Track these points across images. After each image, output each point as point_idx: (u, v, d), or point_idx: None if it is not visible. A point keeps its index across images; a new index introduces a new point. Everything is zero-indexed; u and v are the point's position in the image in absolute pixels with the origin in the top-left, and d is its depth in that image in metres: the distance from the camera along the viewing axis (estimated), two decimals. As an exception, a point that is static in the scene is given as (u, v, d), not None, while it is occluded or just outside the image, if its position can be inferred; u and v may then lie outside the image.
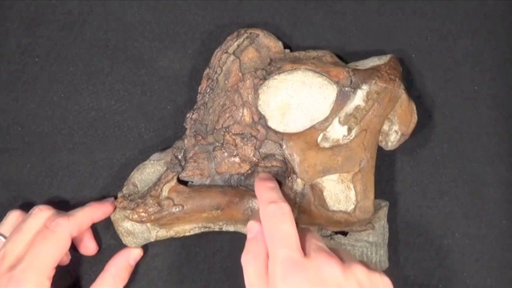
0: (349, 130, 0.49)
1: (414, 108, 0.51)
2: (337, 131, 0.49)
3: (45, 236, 0.47)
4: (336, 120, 0.49)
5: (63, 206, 0.52)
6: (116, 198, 0.51)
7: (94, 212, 0.50)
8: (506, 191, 0.54)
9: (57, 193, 0.54)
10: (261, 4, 0.55)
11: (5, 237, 0.48)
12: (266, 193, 0.44)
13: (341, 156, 0.48)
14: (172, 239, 0.52)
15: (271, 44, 0.51)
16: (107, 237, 0.53)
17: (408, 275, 0.53)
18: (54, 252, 0.47)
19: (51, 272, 0.47)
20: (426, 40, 0.56)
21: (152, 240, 0.51)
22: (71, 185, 0.54)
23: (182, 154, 0.50)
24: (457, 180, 0.54)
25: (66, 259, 0.51)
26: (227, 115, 0.49)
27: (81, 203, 0.51)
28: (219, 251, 0.53)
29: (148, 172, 0.51)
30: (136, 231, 0.50)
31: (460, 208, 0.54)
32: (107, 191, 0.53)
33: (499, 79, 0.55)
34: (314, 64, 0.50)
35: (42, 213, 0.48)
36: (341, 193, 0.49)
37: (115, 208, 0.51)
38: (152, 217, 0.48)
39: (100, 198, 0.53)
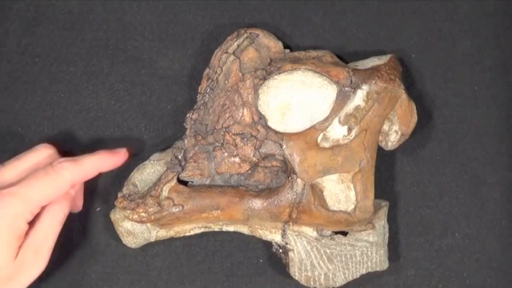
0: (349, 130, 0.49)
1: (414, 108, 0.51)
2: (337, 131, 0.49)
3: (47, 172, 0.45)
4: (336, 120, 0.49)
5: (63, 206, 0.52)
6: (129, 152, 0.50)
7: (102, 162, 0.48)
8: (506, 191, 0.54)
9: (57, 193, 0.54)
10: (261, 4, 0.55)
11: None
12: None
13: (341, 156, 0.48)
14: (172, 239, 0.52)
15: (271, 44, 0.51)
16: (107, 237, 0.53)
17: (408, 275, 0.54)
18: (49, 191, 0.45)
19: (36, 209, 0.45)
20: (426, 40, 0.56)
21: (152, 240, 0.51)
22: (71, 185, 0.54)
23: (182, 154, 0.50)
24: (457, 180, 0.54)
25: (79, 205, 0.50)
26: (227, 115, 0.49)
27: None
28: (219, 251, 0.53)
29: (148, 172, 0.51)
30: (136, 231, 0.50)
31: (460, 208, 0.54)
32: (107, 191, 0.53)
33: (499, 79, 0.55)
34: (314, 64, 0.50)
35: (46, 150, 0.47)
36: (341, 193, 0.49)
37: (126, 159, 0.50)
38: (152, 217, 0.48)
39: (100, 198, 0.53)
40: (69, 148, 0.53)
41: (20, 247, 0.45)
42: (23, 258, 0.45)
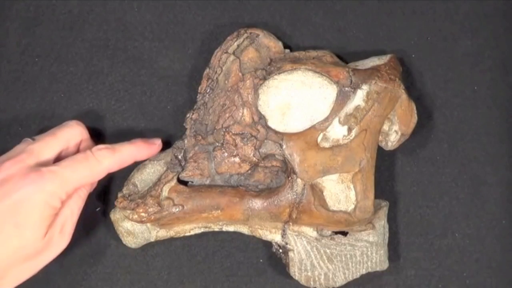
0: (349, 130, 0.49)
1: (414, 108, 0.51)
2: (337, 131, 0.49)
3: (88, 158, 0.46)
4: (336, 120, 0.49)
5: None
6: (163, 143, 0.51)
7: (139, 151, 0.49)
8: (506, 191, 0.54)
9: (57, 193, 0.54)
10: (261, 4, 0.55)
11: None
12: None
13: (341, 156, 0.48)
14: (172, 239, 0.52)
15: (271, 44, 0.51)
16: (107, 237, 0.53)
17: (408, 275, 0.54)
18: (87, 175, 0.46)
19: (72, 190, 0.46)
20: (426, 40, 0.56)
21: (152, 240, 0.51)
22: (71, 185, 0.54)
23: (182, 154, 0.50)
24: (457, 180, 0.54)
25: (94, 184, 0.51)
26: (227, 115, 0.49)
27: (81, 203, 0.51)
28: (219, 251, 0.53)
29: (148, 172, 0.51)
30: (136, 231, 0.50)
31: (460, 208, 0.54)
32: (108, 191, 0.53)
33: (499, 79, 0.55)
34: (314, 64, 0.50)
35: (78, 127, 0.49)
36: (341, 193, 0.49)
37: (160, 150, 0.51)
38: (152, 217, 0.48)
39: (100, 198, 0.53)
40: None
41: (49, 225, 0.45)
42: (51, 235, 0.45)
